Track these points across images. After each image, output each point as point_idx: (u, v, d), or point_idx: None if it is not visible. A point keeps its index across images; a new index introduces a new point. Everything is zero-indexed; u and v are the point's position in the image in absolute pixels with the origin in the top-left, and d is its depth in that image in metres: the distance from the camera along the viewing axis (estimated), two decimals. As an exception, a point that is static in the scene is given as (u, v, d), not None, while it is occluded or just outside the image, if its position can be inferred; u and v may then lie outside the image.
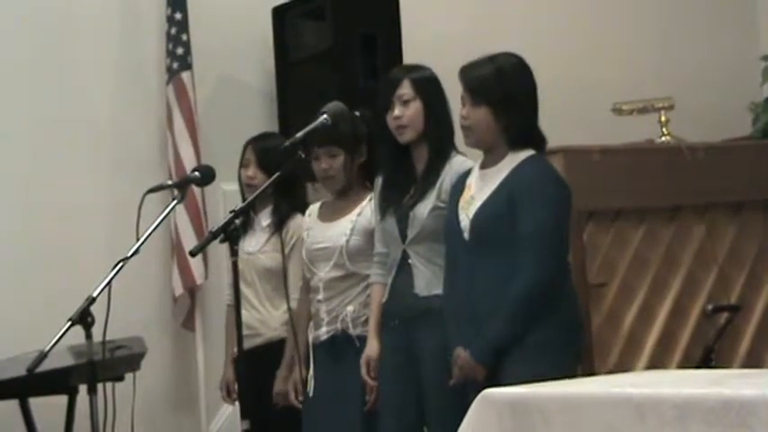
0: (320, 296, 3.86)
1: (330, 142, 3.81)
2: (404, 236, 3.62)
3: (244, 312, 4.01)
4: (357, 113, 3.86)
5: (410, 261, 3.61)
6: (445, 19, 5.60)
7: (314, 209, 4.04)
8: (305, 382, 3.88)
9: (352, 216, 3.87)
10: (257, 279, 4.17)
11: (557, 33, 5.81)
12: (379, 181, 3.77)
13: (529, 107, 3.39)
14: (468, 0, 5.74)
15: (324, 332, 3.84)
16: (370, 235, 3.80)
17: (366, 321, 3.76)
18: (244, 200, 4.19)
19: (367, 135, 3.87)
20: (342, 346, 3.80)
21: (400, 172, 3.69)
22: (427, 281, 3.57)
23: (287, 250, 4.07)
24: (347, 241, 3.83)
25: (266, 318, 4.15)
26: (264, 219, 4.22)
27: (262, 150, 4.22)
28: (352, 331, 3.78)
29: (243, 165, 4.28)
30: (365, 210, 3.85)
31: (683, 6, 6.22)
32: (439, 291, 3.50)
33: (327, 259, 3.85)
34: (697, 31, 6.23)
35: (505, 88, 3.33)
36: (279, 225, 4.14)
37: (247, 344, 4.04)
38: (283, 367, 4.03)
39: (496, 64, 3.38)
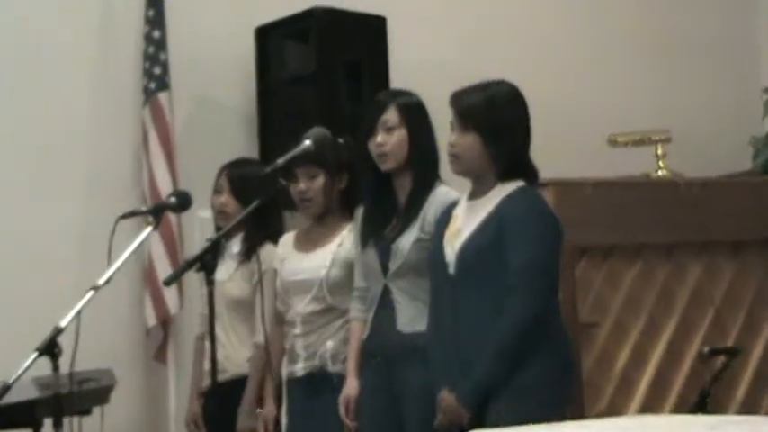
0: (297, 330, 3.86)
1: (310, 162, 3.83)
2: (385, 269, 3.63)
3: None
4: (340, 141, 3.89)
5: (392, 296, 3.62)
6: (434, 44, 5.63)
7: (289, 238, 4.05)
8: (277, 420, 3.88)
9: (332, 246, 3.89)
10: (224, 310, 4.16)
11: (550, 61, 5.85)
12: (359, 211, 3.78)
13: (520, 137, 3.42)
14: (457, 26, 5.77)
15: (300, 368, 3.84)
16: (351, 267, 3.81)
17: (346, 359, 3.76)
18: (216, 227, 4.21)
19: (349, 163, 3.89)
20: (319, 384, 3.80)
21: (382, 202, 3.71)
22: (410, 317, 3.57)
23: (253, 280, 4.08)
24: (327, 273, 3.84)
25: (230, 353, 4.15)
26: (235, 246, 4.23)
27: (236, 178, 4.24)
28: (331, 368, 3.79)
29: (215, 191, 4.30)
30: (346, 240, 3.86)
31: (682, 36, 6.27)
32: (422, 327, 3.50)
33: (305, 292, 3.86)
34: (697, 62, 6.28)
35: (496, 116, 3.36)
36: (248, 254, 4.15)
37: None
38: (245, 403, 4.02)
39: (489, 92, 3.41)
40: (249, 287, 4.06)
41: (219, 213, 4.23)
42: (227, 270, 4.21)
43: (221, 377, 4.08)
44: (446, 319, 3.37)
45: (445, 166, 3.57)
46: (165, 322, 4.95)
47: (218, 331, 4.13)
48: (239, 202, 4.14)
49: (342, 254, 3.85)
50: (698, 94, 6.22)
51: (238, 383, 4.08)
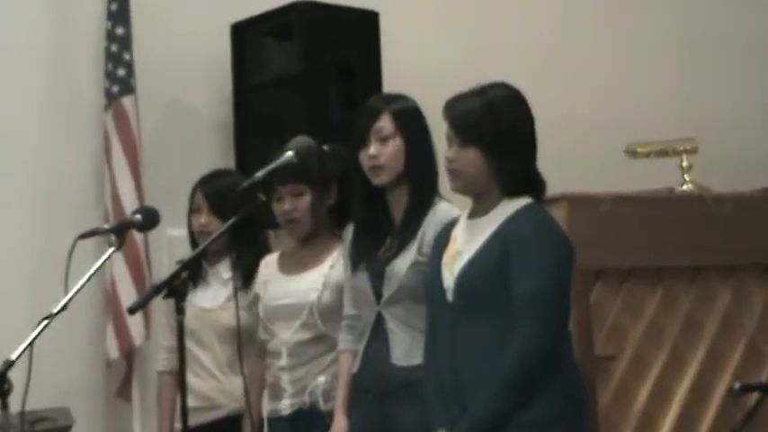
0: (282, 362, 3.87)
1: (295, 179, 3.84)
2: (379, 295, 3.64)
3: (199, 381, 4.04)
4: (326, 148, 3.90)
5: (386, 325, 3.62)
6: (432, 45, 5.66)
7: (271, 259, 4.07)
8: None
9: (323, 268, 3.90)
10: (216, 341, 4.18)
11: (560, 63, 5.88)
12: (349, 231, 3.79)
13: (525, 147, 3.42)
14: (459, 22, 5.79)
15: (287, 405, 3.85)
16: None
17: (339, 395, 3.77)
18: (194, 248, 4.21)
19: (338, 174, 3.91)
20: (308, 423, 3.81)
21: (375, 220, 3.71)
22: (406, 348, 3.58)
23: (255, 309, 4.08)
24: (319, 297, 3.85)
25: (228, 387, 4.15)
26: (224, 271, 4.23)
27: (214, 193, 4.24)
28: (323, 406, 3.80)
29: (193, 210, 4.30)
30: (338, 262, 3.87)
31: (710, 36, 6.30)
32: (420, 360, 3.50)
33: (293, 318, 3.87)
34: (726, 65, 6.31)
35: (497, 125, 3.35)
36: (247, 279, 4.14)
37: (206, 417, 4.06)
38: None
39: (487, 97, 3.40)
40: (248, 315, 4.07)
41: (201, 235, 4.22)
42: (215, 297, 4.21)
43: (218, 414, 4.11)
44: (444, 352, 3.37)
45: (445, 180, 3.57)
46: (129, 355, 4.95)
47: (210, 364, 4.16)
48: (222, 219, 4.13)
49: (334, 277, 3.86)
50: (727, 99, 6.25)
51: (237, 420, 4.09)
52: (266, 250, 4.22)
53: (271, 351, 3.93)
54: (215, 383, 4.15)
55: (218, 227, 4.11)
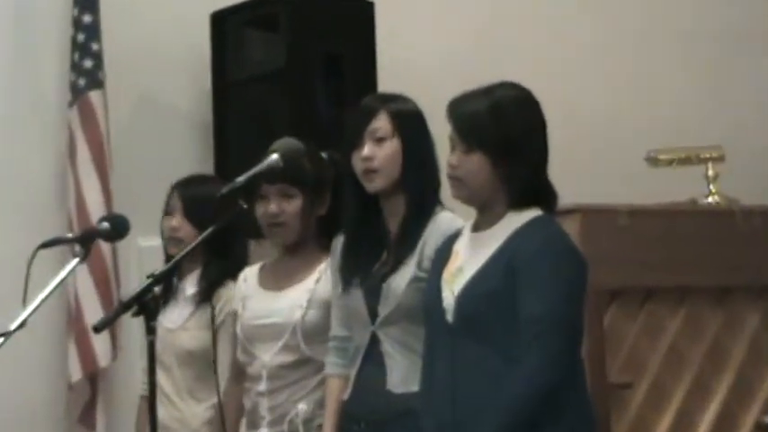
0: (261, 387, 3.87)
1: (286, 179, 3.84)
2: (374, 314, 3.63)
3: (160, 408, 4.02)
4: (324, 155, 3.91)
5: (381, 347, 3.62)
6: (433, 38, 5.67)
7: (251, 272, 4.07)
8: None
9: (309, 283, 3.90)
10: (176, 364, 4.19)
11: (575, 62, 5.89)
12: (339, 242, 3.79)
13: (535, 153, 3.41)
14: (463, 13, 5.79)
15: (264, 435, 3.86)
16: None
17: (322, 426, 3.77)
18: (167, 258, 4.23)
19: (333, 182, 3.91)
20: (287, 456, 3.81)
21: (368, 230, 3.71)
22: (403, 374, 3.58)
23: (216, 326, 4.09)
24: (303, 316, 3.85)
25: (186, 415, 4.17)
26: (190, 286, 4.24)
27: (190, 197, 4.26)
28: (303, 437, 3.80)
29: (166, 213, 4.32)
30: (325, 276, 3.87)
31: (740, 33, 6.31)
32: (417, 387, 3.50)
33: (274, 339, 3.87)
34: (756, 64, 6.32)
35: (505, 129, 3.35)
36: (206, 295, 4.16)
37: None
38: None
39: (495, 97, 3.40)
40: (207, 336, 4.07)
41: (170, 240, 4.25)
42: (179, 315, 4.23)
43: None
44: (442, 379, 3.36)
45: (446, 187, 3.57)
46: (94, 377, 4.95)
47: (169, 389, 4.17)
48: (194, 226, 4.16)
49: (321, 293, 3.86)
50: (757, 102, 6.25)
51: None
52: (243, 263, 4.22)
53: (250, 375, 3.93)
54: (172, 411, 4.16)
55: (189, 233, 4.16)
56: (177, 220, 4.27)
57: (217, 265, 4.20)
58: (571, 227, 4.08)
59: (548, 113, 3.43)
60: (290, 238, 3.93)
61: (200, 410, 4.16)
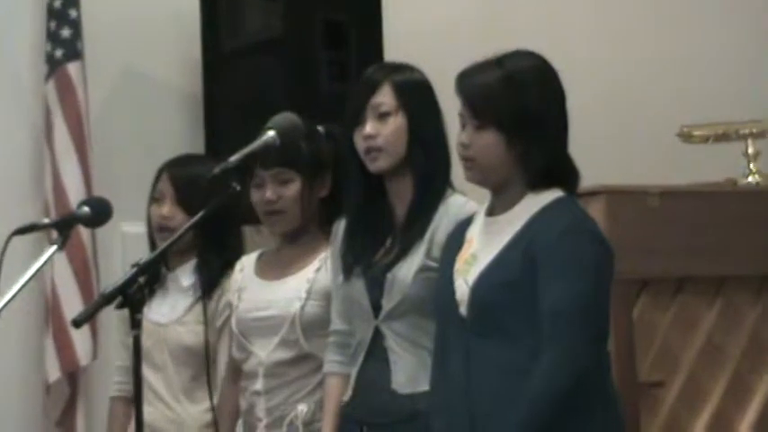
0: (258, 386, 3.88)
1: (282, 163, 3.85)
2: (377, 307, 3.64)
3: (149, 409, 4.04)
4: (321, 129, 3.91)
5: (386, 343, 3.63)
6: (446, 3, 5.66)
7: (248, 261, 4.08)
8: None
9: (308, 272, 3.91)
10: (170, 362, 4.18)
11: (597, 26, 5.88)
12: (340, 227, 3.80)
13: (555, 129, 3.42)
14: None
15: (261, 438, 3.87)
16: (332, 301, 3.84)
17: (324, 426, 3.79)
18: (152, 246, 4.23)
19: (334, 161, 3.91)
20: (286, 461, 3.83)
21: (372, 215, 3.72)
22: (410, 373, 3.59)
23: (218, 323, 4.11)
24: (302, 308, 3.86)
25: (183, 417, 4.16)
26: (185, 277, 4.23)
27: (183, 180, 4.24)
28: (304, 440, 3.81)
29: (155, 199, 4.29)
30: (326, 264, 3.88)
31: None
32: (426, 386, 3.52)
33: (272, 334, 3.88)
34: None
35: (521, 102, 3.36)
36: (209, 287, 4.16)
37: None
38: None
39: (508, 68, 3.40)
40: (211, 332, 4.08)
41: (161, 230, 4.22)
42: (172, 308, 4.22)
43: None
44: (455, 378, 3.37)
45: (457, 170, 3.57)
46: (73, 377, 4.96)
47: (162, 389, 4.17)
48: (188, 213, 4.13)
49: (321, 283, 3.87)
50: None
51: None
52: (238, 251, 4.23)
53: (246, 373, 3.94)
54: (166, 412, 4.16)
55: (182, 221, 4.11)
56: (168, 208, 4.23)
57: (215, 254, 4.20)
58: (596, 209, 4.09)
59: (567, 84, 3.43)
60: (289, 225, 3.94)
61: (197, 412, 4.15)
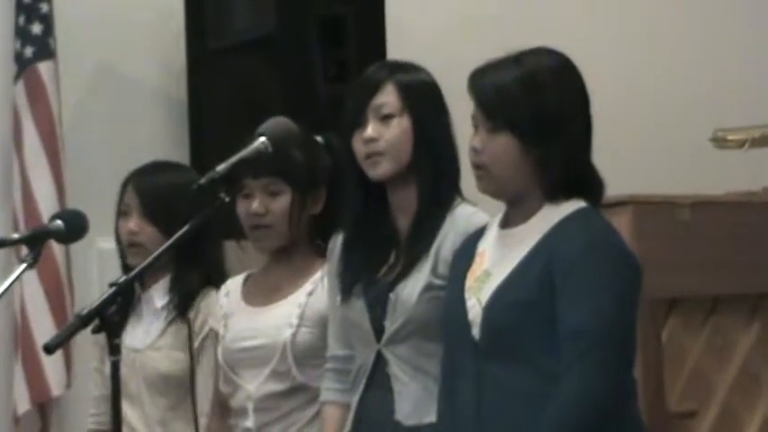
0: (249, 422, 3.89)
1: (272, 172, 3.85)
2: (379, 330, 3.65)
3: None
4: (319, 139, 3.91)
5: (389, 369, 3.64)
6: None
7: (234, 285, 4.08)
8: None
9: (300, 296, 3.92)
10: (145, 391, 4.19)
11: (621, 23, 5.89)
12: (337, 242, 3.80)
13: (576, 134, 3.41)
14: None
15: (252, 478, 3.88)
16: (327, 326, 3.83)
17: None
18: (124, 265, 4.24)
19: (330, 174, 3.92)
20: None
21: (373, 227, 3.72)
22: (415, 401, 3.59)
23: (195, 344, 4.11)
24: (293, 335, 3.87)
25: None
26: (159, 296, 4.24)
27: (148, 191, 4.24)
28: (299, 479, 3.83)
29: (121, 213, 4.29)
30: (319, 286, 3.89)
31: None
32: (433, 417, 3.51)
33: (261, 365, 3.89)
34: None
35: (539, 103, 3.36)
36: (183, 307, 4.17)
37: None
38: None
39: (527, 66, 3.40)
40: (184, 357, 4.09)
41: (130, 246, 4.23)
42: (146, 332, 4.23)
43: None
44: (466, 403, 3.37)
45: (467, 178, 3.58)
46: (45, 408, 4.96)
47: (136, 422, 4.17)
48: (157, 227, 4.14)
49: (314, 307, 3.88)
50: None
51: None
52: (218, 265, 4.24)
53: (235, 409, 3.95)
54: None
55: (151, 235, 4.15)
56: (135, 222, 4.23)
57: (189, 270, 4.20)
58: (621, 222, 4.08)
59: (590, 85, 3.43)
60: (275, 242, 3.94)
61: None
